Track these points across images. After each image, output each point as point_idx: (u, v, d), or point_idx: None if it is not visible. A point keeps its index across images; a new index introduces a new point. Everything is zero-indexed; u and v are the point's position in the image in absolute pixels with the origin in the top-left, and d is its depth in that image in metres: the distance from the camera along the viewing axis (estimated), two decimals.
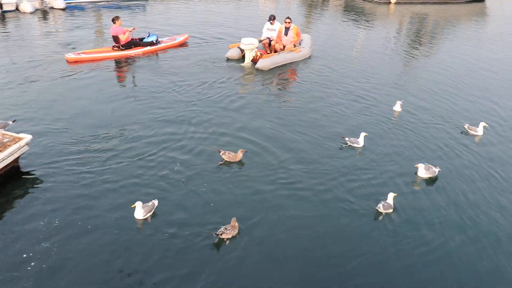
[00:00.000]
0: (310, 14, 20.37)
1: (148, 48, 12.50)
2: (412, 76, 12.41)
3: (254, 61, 11.95)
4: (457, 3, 24.24)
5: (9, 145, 6.75)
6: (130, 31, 12.32)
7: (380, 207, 6.17)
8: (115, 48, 12.16)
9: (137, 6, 19.37)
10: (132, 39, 12.38)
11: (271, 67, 11.76)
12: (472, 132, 8.67)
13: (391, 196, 6.28)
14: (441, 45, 15.94)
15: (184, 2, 21.24)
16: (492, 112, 9.99)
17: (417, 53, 14.67)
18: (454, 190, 6.81)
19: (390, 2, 23.01)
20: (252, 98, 9.90)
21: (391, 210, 6.22)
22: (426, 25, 19.61)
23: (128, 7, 19.14)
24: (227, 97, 9.77)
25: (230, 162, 7.10)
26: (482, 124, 8.69)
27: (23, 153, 6.92)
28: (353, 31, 17.38)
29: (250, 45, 11.77)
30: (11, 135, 6.97)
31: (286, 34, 12.36)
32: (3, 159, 6.60)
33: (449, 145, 8.26)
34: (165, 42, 13.05)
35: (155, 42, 12.58)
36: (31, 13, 16.76)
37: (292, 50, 12.31)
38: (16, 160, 6.88)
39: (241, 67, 11.81)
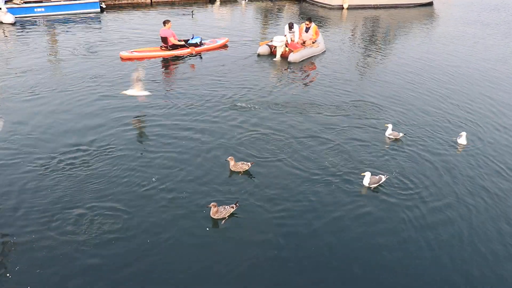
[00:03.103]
0: (267, 21, 22.97)
1: (199, 48, 14.69)
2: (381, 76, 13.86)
3: (283, 56, 14.75)
4: (407, 7, 28.34)
5: None
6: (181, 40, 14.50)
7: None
8: (163, 48, 14.07)
9: (91, 19, 20.40)
10: (179, 40, 14.32)
11: (301, 59, 14.63)
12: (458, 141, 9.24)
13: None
14: (404, 45, 19.06)
15: (139, 13, 22.43)
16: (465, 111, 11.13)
17: (385, 52, 17.53)
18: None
19: (342, 8, 27.06)
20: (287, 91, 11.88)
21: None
22: (380, 28, 23.39)
23: (82, 20, 20.04)
24: (268, 93, 11.58)
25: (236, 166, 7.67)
26: (464, 133, 9.15)
27: None
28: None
29: (281, 42, 14.45)
30: None
31: (306, 31, 15.39)
32: None
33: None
34: (208, 44, 15.20)
35: (199, 43, 14.69)
36: None
37: (312, 46, 15.35)
38: None
39: (273, 62, 14.46)
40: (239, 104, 10.62)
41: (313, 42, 15.46)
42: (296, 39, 15.15)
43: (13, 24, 18.41)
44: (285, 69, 13.99)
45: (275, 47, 14.65)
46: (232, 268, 5.67)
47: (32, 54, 14.08)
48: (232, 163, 7.55)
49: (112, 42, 15.80)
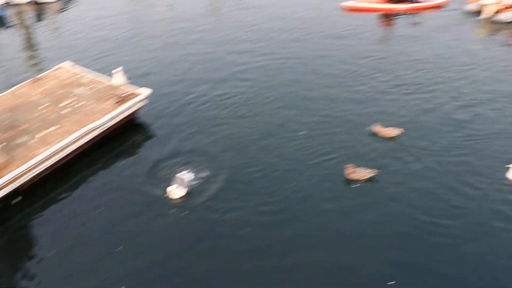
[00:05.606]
0: None
1: (415, 5, 16.02)
2: None
3: (493, 14, 15.05)
4: None
5: (129, 99, 8.03)
6: None
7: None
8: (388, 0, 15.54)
9: None
10: None
11: (510, 20, 14.95)
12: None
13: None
14: None
15: None
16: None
17: None
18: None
19: None
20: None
21: None
22: None
23: None
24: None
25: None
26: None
27: (141, 107, 8.45)
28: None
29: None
30: (131, 90, 8.22)
31: None
32: (122, 112, 7.96)
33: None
34: (424, 1, 16.34)
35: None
36: (27, 3, 17.80)
37: None
38: (134, 113, 8.26)
39: (479, 20, 15.14)
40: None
41: None
42: None
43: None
44: (492, 31, 14.64)
45: (484, 4, 15.21)
46: (361, 231, 7.39)
47: None
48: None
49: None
